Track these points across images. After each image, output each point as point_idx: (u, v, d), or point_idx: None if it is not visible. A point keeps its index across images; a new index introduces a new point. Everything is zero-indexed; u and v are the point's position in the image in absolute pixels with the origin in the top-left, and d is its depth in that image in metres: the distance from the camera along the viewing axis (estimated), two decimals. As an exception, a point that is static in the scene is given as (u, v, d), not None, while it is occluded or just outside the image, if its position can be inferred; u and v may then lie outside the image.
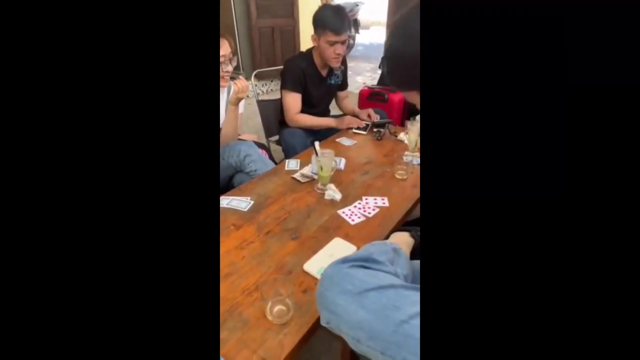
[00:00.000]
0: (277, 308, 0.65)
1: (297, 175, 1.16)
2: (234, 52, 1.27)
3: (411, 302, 0.46)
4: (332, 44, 1.40)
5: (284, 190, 1.09)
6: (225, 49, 1.22)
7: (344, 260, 0.54)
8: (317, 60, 1.54)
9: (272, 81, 3.97)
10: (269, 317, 0.63)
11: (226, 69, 1.22)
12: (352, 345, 0.50)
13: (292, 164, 1.24)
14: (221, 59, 1.21)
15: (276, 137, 1.82)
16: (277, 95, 1.74)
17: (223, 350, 0.57)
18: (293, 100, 1.54)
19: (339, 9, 1.41)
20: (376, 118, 1.56)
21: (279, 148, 1.77)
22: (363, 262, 0.53)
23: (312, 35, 1.47)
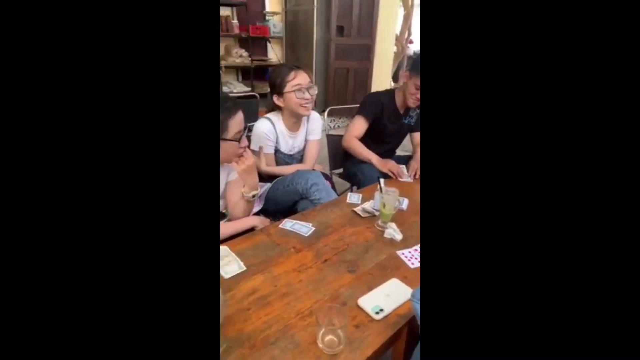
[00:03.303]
0: (328, 337, 0.64)
1: (358, 209, 1.17)
2: (312, 82, 1.38)
3: None
4: (418, 88, 1.48)
5: (343, 222, 1.11)
6: (303, 78, 1.33)
7: None
8: (397, 98, 1.62)
9: (340, 118, 4.15)
10: (320, 345, 0.63)
11: (303, 96, 1.33)
12: None
13: (354, 197, 1.27)
14: (297, 87, 1.32)
15: (340, 170, 1.87)
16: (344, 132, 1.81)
17: (273, 368, 0.59)
18: (359, 125, 1.60)
19: None
20: (401, 175, 1.48)
21: (340, 181, 1.82)
22: None
23: (404, 72, 1.57)
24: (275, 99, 1.39)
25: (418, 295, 0.64)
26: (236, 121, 1.01)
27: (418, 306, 0.63)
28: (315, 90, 1.38)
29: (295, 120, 1.43)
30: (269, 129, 1.39)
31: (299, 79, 1.33)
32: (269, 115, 1.43)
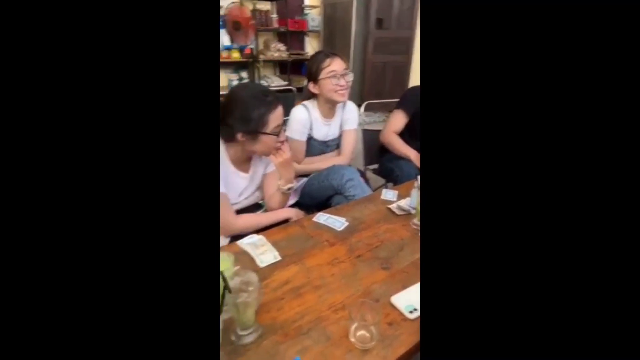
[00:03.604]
0: (360, 332, 0.64)
1: (393, 207, 1.15)
2: (348, 68, 1.36)
3: None
4: None
5: (378, 218, 1.09)
6: (338, 64, 1.32)
7: None
8: None
9: (376, 113, 4.08)
10: (352, 339, 0.64)
11: (338, 82, 1.32)
12: None
13: (389, 194, 1.25)
14: (332, 73, 1.31)
15: (375, 166, 1.85)
16: (381, 127, 1.78)
17: (305, 357, 0.60)
18: (399, 119, 1.57)
19: None
20: None
21: (374, 177, 1.79)
22: None
23: None
24: (310, 86, 1.39)
25: None
26: (276, 115, 1.03)
27: None
28: (351, 77, 1.36)
29: (330, 106, 1.41)
30: (304, 115, 1.39)
31: (334, 66, 1.32)
32: (304, 102, 1.43)
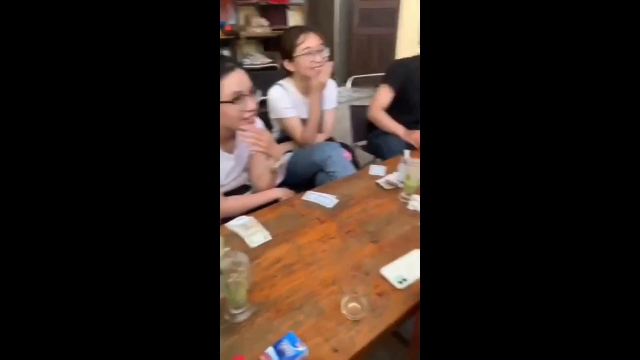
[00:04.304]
0: (351, 305, 0.66)
1: (381, 182, 1.16)
2: (324, 44, 1.32)
3: None
4: None
5: (367, 194, 1.10)
6: (312, 40, 1.28)
7: None
8: None
9: (364, 88, 4.03)
10: (343, 312, 0.66)
11: (314, 58, 1.29)
12: None
13: (377, 169, 1.25)
14: (307, 50, 1.28)
15: (363, 142, 1.84)
16: (368, 102, 1.76)
17: (299, 331, 0.61)
18: (385, 95, 1.54)
19: None
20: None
21: (364, 154, 1.79)
22: None
23: None
24: (285, 63, 1.35)
25: None
26: (230, 81, 0.95)
27: None
28: (326, 53, 1.33)
29: (307, 83, 1.38)
30: (280, 94, 1.36)
31: (308, 42, 1.28)
32: (280, 82, 1.40)
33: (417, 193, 1.05)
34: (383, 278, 0.74)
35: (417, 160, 1.06)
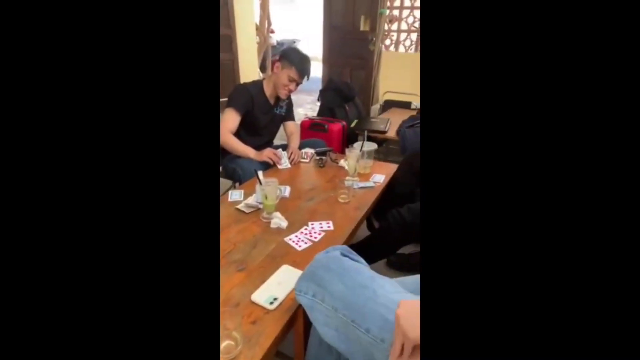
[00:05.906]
0: (225, 343, 0.62)
1: (241, 206, 1.15)
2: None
3: (379, 284, 0.60)
4: (292, 80, 1.55)
5: (228, 222, 1.07)
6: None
7: (328, 250, 0.72)
8: (266, 89, 1.63)
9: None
10: (217, 354, 0.61)
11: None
12: (327, 320, 0.63)
13: (235, 194, 1.23)
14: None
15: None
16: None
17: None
18: (231, 118, 1.55)
19: (308, 58, 1.59)
20: (279, 162, 1.57)
21: (223, 180, 1.74)
22: (346, 253, 0.71)
23: (275, 61, 1.61)
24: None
25: (300, 288, 0.67)
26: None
27: (302, 299, 0.67)
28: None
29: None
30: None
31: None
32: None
33: (277, 210, 1.09)
34: (254, 304, 0.73)
35: (272, 179, 1.10)
